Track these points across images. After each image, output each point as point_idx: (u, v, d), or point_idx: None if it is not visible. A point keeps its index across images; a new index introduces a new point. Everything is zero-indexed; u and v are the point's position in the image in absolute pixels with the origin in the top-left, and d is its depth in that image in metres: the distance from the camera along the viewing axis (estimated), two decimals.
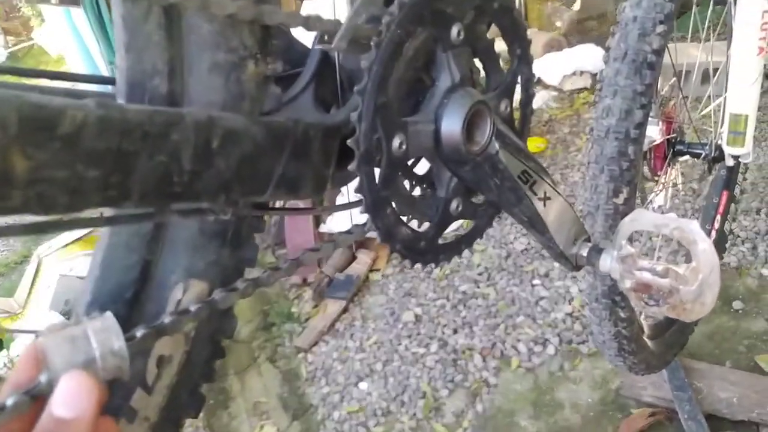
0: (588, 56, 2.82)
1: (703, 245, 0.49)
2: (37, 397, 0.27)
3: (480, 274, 2.02)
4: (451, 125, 0.42)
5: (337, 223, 2.21)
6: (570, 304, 1.80)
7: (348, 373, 1.83)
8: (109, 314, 0.27)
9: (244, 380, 1.93)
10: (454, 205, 0.46)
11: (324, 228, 2.28)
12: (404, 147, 0.40)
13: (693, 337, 1.54)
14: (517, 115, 0.50)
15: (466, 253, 1.86)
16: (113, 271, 0.36)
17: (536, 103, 2.84)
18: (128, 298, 0.35)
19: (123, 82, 0.33)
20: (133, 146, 0.26)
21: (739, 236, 1.83)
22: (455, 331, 1.84)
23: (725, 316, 1.63)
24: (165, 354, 0.34)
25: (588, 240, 0.54)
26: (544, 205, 0.49)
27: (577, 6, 3.17)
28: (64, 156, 0.23)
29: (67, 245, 2.44)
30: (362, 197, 0.39)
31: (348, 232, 0.42)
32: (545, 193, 0.49)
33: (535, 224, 0.49)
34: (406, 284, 2.08)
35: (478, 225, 0.50)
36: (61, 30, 3.21)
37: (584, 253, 0.54)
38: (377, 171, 0.40)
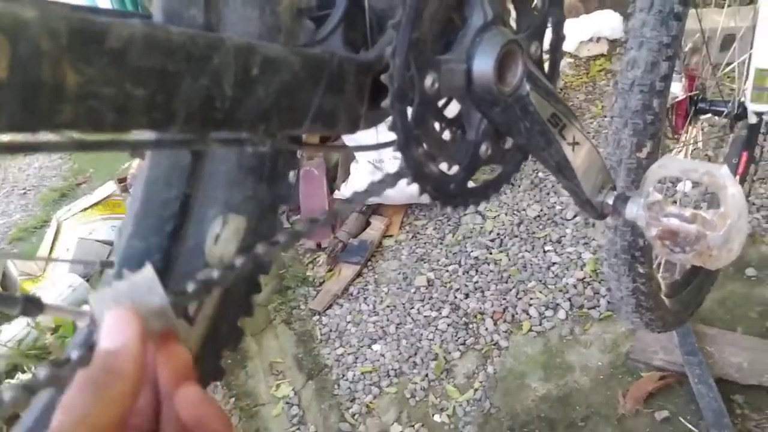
0: (605, 22, 2.75)
1: (733, 190, 0.48)
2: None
3: (492, 240, 2.02)
4: (483, 64, 0.42)
5: (351, 188, 2.22)
6: (582, 269, 1.80)
7: (361, 335, 1.86)
8: (148, 266, 0.28)
9: (261, 341, 1.96)
10: (483, 148, 0.46)
11: (338, 194, 2.28)
12: (436, 85, 0.40)
13: (705, 303, 1.54)
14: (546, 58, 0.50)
15: (478, 219, 1.86)
16: (154, 205, 0.36)
17: None
18: (169, 231, 0.36)
19: (160, 12, 0.33)
20: (177, 67, 0.26)
21: (753, 204, 1.81)
22: (467, 296, 1.86)
23: (738, 283, 1.63)
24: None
25: (614, 188, 0.54)
26: (573, 150, 0.49)
27: None
28: (111, 72, 0.23)
29: (86, 209, 2.47)
30: (395, 135, 0.38)
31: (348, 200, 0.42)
32: (574, 137, 0.49)
33: (563, 169, 0.49)
34: (419, 250, 2.10)
35: (506, 170, 0.50)
36: None
37: (610, 201, 0.54)
38: (409, 110, 0.39)
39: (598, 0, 3.00)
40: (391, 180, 0.40)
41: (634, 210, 0.52)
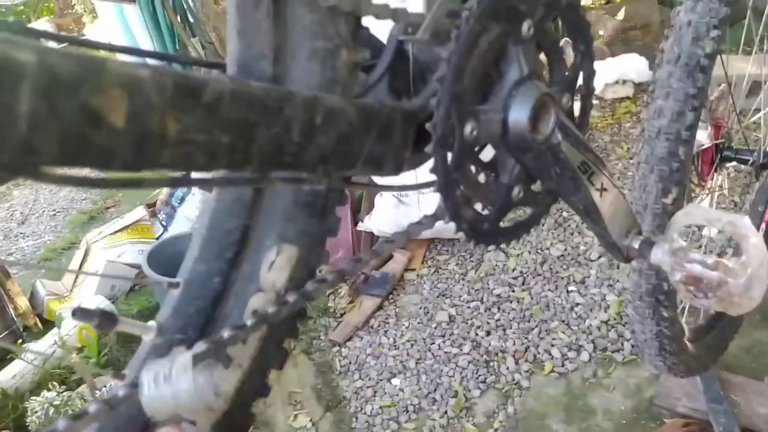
0: (631, 65, 2.80)
1: (754, 240, 0.50)
2: None
3: (515, 278, 2.02)
4: (519, 115, 0.45)
5: (375, 221, 2.25)
6: (606, 312, 1.80)
7: (381, 368, 1.86)
8: (188, 355, 0.31)
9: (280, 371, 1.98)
10: (515, 191, 0.49)
11: (361, 227, 2.32)
12: (475, 133, 0.43)
13: (730, 350, 1.52)
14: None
15: (501, 256, 1.87)
16: (218, 233, 0.40)
17: (577, 112, 2.83)
18: (229, 257, 0.40)
19: (233, 64, 0.37)
20: (255, 117, 0.29)
21: None
22: (488, 333, 1.86)
23: (765, 331, 1.61)
24: (258, 309, 0.38)
25: (640, 233, 0.57)
26: (601, 195, 0.51)
27: (621, 15, 3.14)
28: (204, 122, 0.27)
29: (115, 233, 2.54)
30: (436, 177, 0.42)
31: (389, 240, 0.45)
32: (602, 184, 0.51)
33: (590, 213, 0.52)
34: (441, 285, 2.11)
35: (536, 212, 0.53)
36: (113, 27, 3.34)
37: (636, 245, 0.56)
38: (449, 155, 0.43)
39: (623, 43, 3.05)
40: (429, 221, 0.43)
41: (659, 255, 0.54)
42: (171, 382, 0.31)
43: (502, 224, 0.49)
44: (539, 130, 0.47)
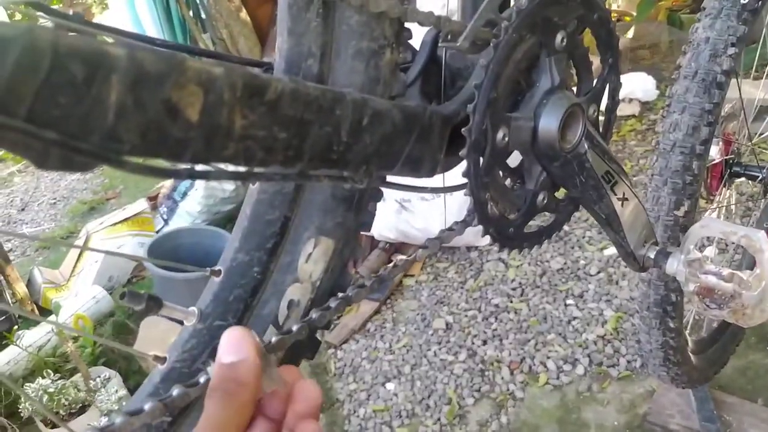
0: (638, 84, 2.82)
1: None
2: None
3: (514, 288, 2.03)
4: (549, 123, 0.46)
5: (376, 226, 2.26)
6: (603, 326, 1.81)
7: (376, 372, 1.87)
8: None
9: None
10: (540, 197, 0.50)
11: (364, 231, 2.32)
12: (506, 139, 0.44)
13: (725, 370, 1.53)
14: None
15: (500, 266, 1.88)
16: (259, 224, 0.41)
17: None
18: (269, 247, 0.41)
19: (282, 60, 0.39)
20: (310, 116, 0.31)
21: None
22: (485, 342, 1.86)
23: (760, 354, 1.62)
24: (294, 298, 0.40)
25: (656, 243, 0.58)
26: (622, 205, 0.53)
27: (630, 34, 3.17)
28: (266, 119, 0.28)
29: (115, 224, 2.53)
30: (468, 180, 0.43)
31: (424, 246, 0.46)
32: (624, 194, 0.53)
33: (611, 222, 0.53)
34: (439, 292, 2.11)
35: (558, 219, 0.54)
36: (124, 19, 3.33)
37: (651, 255, 0.57)
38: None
39: (631, 62, 3.08)
40: (460, 228, 0.44)
41: (674, 265, 0.56)
42: None
43: (526, 229, 0.50)
44: (567, 139, 0.48)
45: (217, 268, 0.41)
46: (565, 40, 0.47)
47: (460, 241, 2.21)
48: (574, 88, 0.52)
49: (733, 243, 0.54)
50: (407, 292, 2.17)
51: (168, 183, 2.82)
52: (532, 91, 0.47)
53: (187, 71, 0.24)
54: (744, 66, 1.02)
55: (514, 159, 0.51)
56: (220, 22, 2.82)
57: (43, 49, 0.20)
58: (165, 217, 2.71)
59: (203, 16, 2.89)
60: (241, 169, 0.29)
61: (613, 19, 0.50)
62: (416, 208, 2.18)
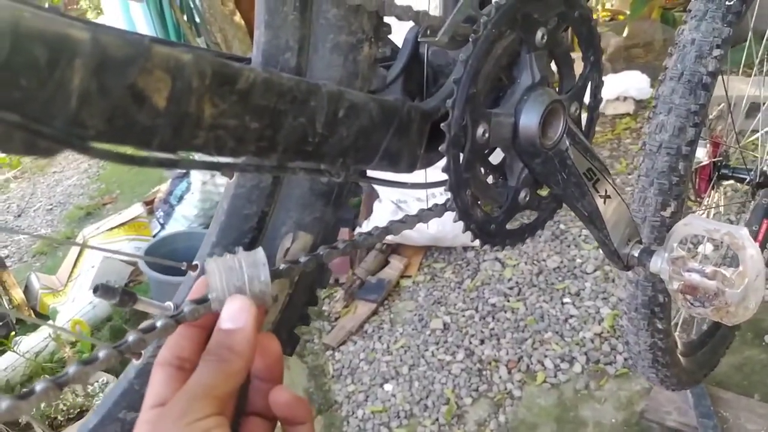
0: (632, 82, 2.83)
1: (752, 251, 0.52)
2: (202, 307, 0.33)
3: (510, 288, 2.04)
4: (529, 120, 0.46)
5: (372, 227, 2.26)
6: (600, 324, 1.81)
7: (374, 373, 1.87)
8: (260, 249, 0.33)
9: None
10: (522, 194, 0.50)
11: (359, 231, 2.33)
12: (486, 135, 0.45)
13: (722, 367, 1.54)
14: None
15: (497, 266, 1.88)
16: (236, 219, 0.41)
17: None
18: (246, 242, 0.41)
19: (259, 54, 0.39)
20: (284, 106, 0.31)
21: None
22: (482, 342, 1.86)
23: (756, 349, 1.62)
24: (274, 294, 0.40)
25: (640, 242, 0.58)
26: (605, 202, 0.53)
27: (624, 33, 3.19)
28: (237, 108, 0.28)
29: (111, 229, 2.53)
30: (448, 176, 0.43)
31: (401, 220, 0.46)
32: (606, 191, 0.53)
33: (594, 220, 0.53)
34: (436, 292, 2.12)
35: (541, 216, 0.54)
36: (118, 23, 3.35)
37: (636, 253, 0.57)
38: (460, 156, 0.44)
39: (626, 60, 3.09)
40: (439, 210, 0.45)
41: (658, 263, 0.56)
42: (244, 270, 0.33)
43: (508, 227, 0.50)
44: (548, 136, 0.48)
45: (194, 262, 0.41)
46: (545, 37, 0.47)
47: (457, 241, 2.22)
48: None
49: (716, 240, 0.54)
50: (404, 293, 2.17)
51: (164, 187, 2.82)
52: (513, 88, 0.47)
53: (153, 57, 0.24)
54: (733, 62, 1.03)
55: (497, 156, 0.52)
56: (214, 26, 2.83)
57: (2, 30, 0.20)
58: (161, 221, 2.71)
59: (197, 20, 2.90)
60: (215, 159, 0.29)
61: (595, 17, 0.50)
62: (412, 209, 2.19)
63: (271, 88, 0.30)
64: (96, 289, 0.33)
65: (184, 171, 2.56)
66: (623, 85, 2.80)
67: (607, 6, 3.73)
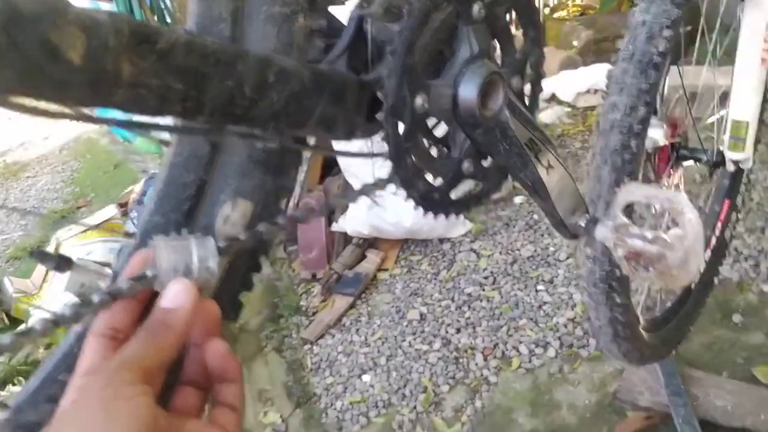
0: (602, 75, 2.87)
1: (690, 215, 0.54)
2: (142, 283, 0.34)
3: (486, 277, 2.06)
4: (468, 91, 0.48)
5: (349, 222, 2.27)
6: (572, 309, 1.84)
7: (352, 365, 1.88)
8: (210, 238, 0.34)
9: (251, 368, 1.98)
10: (465, 164, 0.52)
11: (336, 227, 2.33)
12: (426, 105, 0.46)
13: (691, 346, 1.57)
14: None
15: (473, 256, 1.90)
16: (174, 187, 0.42)
17: (550, 119, 2.91)
18: (185, 210, 0.42)
19: (193, 25, 0.40)
20: (208, 69, 0.32)
21: (742, 253, 1.86)
22: (458, 331, 1.88)
23: (724, 329, 1.66)
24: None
25: (586, 211, 0.60)
26: (548, 173, 0.54)
27: (594, 27, 3.23)
28: (158, 68, 0.29)
29: (85, 231, 2.51)
30: (387, 145, 0.44)
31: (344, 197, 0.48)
32: (549, 162, 0.54)
33: (538, 190, 0.55)
34: (413, 284, 2.13)
35: (486, 187, 0.56)
36: None
37: (582, 223, 0.59)
38: (401, 126, 0.45)
39: (596, 54, 3.13)
40: (383, 183, 0.46)
41: (603, 232, 0.58)
42: (194, 257, 0.34)
43: (452, 196, 0.52)
44: (488, 107, 0.50)
45: (131, 231, 0.42)
46: (482, 11, 0.48)
47: (433, 234, 2.23)
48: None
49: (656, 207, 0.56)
50: (381, 285, 2.18)
51: (138, 188, 2.80)
52: (452, 60, 0.49)
53: (67, 14, 0.25)
54: (711, 53, 1.06)
55: (443, 129, 0.53)
56: (184, 26, 2.81)
57: None
58: (135, 222, 2.69)
59: (168, 20, 2.89)
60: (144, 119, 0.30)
61: (565, 12, 0.52)
62: (388, 204, 2.20)
63: (195, 50, 0.31)
64: (32, 254, 0.33)
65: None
66: (594, 78, 2.84)
67: (577, 1, 3.78)
